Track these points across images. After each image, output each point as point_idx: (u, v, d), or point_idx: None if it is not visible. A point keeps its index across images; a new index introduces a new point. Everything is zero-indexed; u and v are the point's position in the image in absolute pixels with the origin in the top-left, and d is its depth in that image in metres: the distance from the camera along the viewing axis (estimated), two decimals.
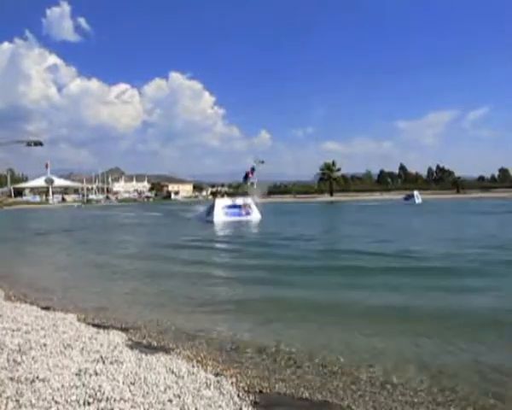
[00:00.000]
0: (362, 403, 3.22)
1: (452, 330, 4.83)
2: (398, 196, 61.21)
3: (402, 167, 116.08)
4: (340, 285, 7.31)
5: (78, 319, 5.45)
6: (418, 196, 50.55)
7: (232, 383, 3.48)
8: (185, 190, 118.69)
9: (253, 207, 25.57)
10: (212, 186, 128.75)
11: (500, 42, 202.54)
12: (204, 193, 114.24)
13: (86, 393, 3.05)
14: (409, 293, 6.59)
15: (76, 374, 3.43)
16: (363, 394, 3.37)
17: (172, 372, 3.61)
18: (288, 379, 3.66)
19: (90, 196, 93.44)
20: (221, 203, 25.22)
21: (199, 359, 4.05)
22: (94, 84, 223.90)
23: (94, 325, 5.18)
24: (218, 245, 14.94)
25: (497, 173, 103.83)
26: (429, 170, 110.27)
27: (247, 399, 3.21)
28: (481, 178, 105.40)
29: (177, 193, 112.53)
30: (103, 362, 3.76)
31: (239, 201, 26.21)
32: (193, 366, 3.82)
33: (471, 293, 6.58)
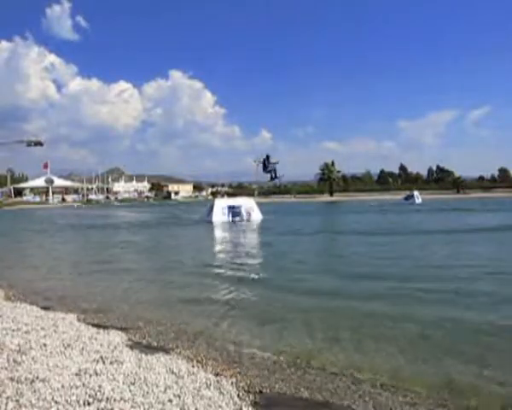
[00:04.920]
0: (362, 403, 3.22)
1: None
2: (398, 196, 61.20)
3: (402, 167, 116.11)
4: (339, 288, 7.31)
5: (78, 319, 5.45)
6: (418, 196, 50.56)
7: (232, 383, 3.48)
8: (185, 190, 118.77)
9: (255, 207, 25.42)
10: (212, 186, 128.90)
11: (500, 42, 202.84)
12: (204, 193, 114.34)
13: (86, 393, 3.04)
14: None
15: (76, 374, 3.43)
16: (363, 394, 3.37)
17: (172, 372, 3.61)
18: (288, 379, 3.65)
19: (90, 196, 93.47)
20: (220, 204, 25.13)
21: (199, 359, 4.05)
22: (93, 83, 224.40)
23: (94, 325, 5.18)
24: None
25: (497, 173, 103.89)
26: (429, 170, 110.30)
27: (247, 399, 3.20)
28: (481, 178, 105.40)
29: (177, 193, 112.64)
30: (103, 362, 3.76)
31: (239, 201, 26.10)
32: (193, 366, 3.82)
33: None
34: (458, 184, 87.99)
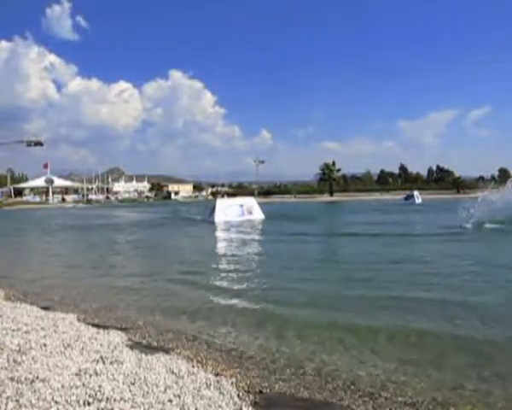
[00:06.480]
0: (362, 403, 3.22)
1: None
2: (397, 196, 61.20)
3: (402, 167, 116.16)
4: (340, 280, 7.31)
5: (78, 319, 5.45)
6: (418, 196, 50.57)
7: (232, 383, 3.48)
8: (185, 190, 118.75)
9: (256, 206, 25.45)
10: (212, 186, 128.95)
11: (500, 41, 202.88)
12: (204, 193, 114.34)
13: (86, 393, 3.04)
14: None
15: (76, 374, 3.43)
16: (363, 394, 3.37)
17: (172, 372, 3.61)
18: (288, 379, 3.65)
19: (90, 196, 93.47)
20: (222, 203, 25.17)
21: (199, 359, 4.05)
22: (93, 83, 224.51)
23: (94, 325, 5.18)
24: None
25: (497, 173, 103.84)
26: (429, 170, 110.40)
27: (247, 399, 3.20)
28: (481, 178, 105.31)
29: (177, 193, 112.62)
30: (103, 362, 3.76)
31: (241, 200, 26.12)
32: (193, 366, 3.81)
33: None
34: (458, 184, 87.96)
